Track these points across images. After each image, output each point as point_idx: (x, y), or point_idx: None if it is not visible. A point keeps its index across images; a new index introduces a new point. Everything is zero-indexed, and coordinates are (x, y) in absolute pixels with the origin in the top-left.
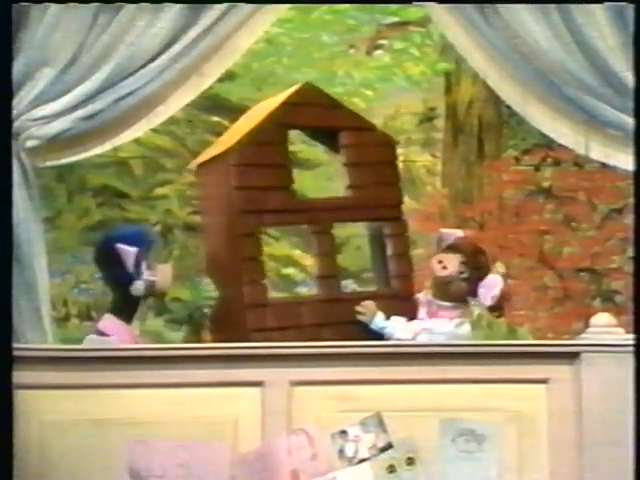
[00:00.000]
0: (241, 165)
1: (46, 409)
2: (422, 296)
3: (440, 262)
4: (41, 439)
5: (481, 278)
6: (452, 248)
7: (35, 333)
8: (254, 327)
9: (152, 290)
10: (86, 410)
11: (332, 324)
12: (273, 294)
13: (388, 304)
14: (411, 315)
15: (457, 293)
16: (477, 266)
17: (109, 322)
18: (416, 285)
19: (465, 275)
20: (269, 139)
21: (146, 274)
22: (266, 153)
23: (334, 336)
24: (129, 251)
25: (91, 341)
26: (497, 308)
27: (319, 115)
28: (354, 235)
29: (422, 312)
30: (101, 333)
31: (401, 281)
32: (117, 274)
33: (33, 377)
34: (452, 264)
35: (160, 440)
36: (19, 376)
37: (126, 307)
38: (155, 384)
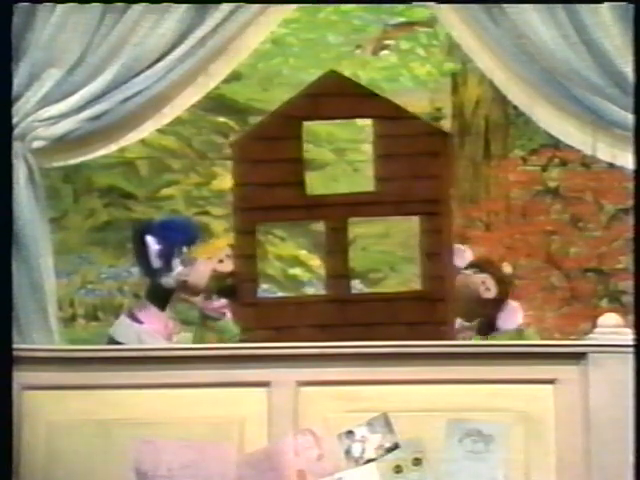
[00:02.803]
0: (242, 161)
1: (52, 409)
2: None
3: (484, 283)
4: (47, 439)
5: (502, 301)
6: (479, 267)
7: (41, 334)
8: (244, 326)
9: (184, 286)
10: (92, 410)
11: (339, 325)
12: (279, 294)
13: (414, 306)
14: (441, 320)
15: (482, 315)
16: (503, 290)
17: (144, 308)
18: None
19: (495, 297)
20: (280, 133)
21: (178, 270)
22: (276, 148)
23: (339, 338)
24: (152, 247)
25: (124, 324)
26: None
27: (344, 105)
28: (360, 236)
29: None
30: (135, 318)
31: (433, 282)
32: (146, 265)
33: (39, 378)
34: (492, 286)
35: (166, 440)
36: (25, 377)
37: (159, 295)
38: (161, 384)
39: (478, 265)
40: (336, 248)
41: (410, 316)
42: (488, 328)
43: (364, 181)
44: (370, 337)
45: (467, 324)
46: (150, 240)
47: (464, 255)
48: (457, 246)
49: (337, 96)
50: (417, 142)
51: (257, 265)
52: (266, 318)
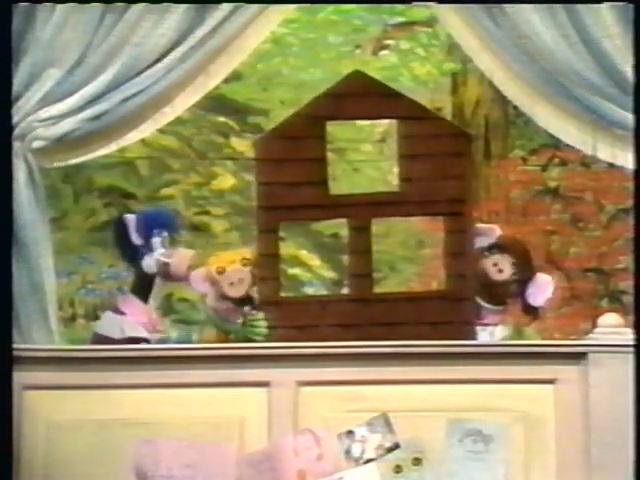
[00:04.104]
0: (265, 160)
1: (53, 409)
2: None
3: (495, 265)
4: (48, 439)
5: (529, 278)
6: (499, 248)
7: (42, 333)
8: (267, 325)
9: (165, 272)
10: (93, 410)
11: (362, 325)
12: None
13: (438, 306)
14: (465, 318)
15: (507, 296)
16: (526, 267)
17: (127, 300)
18: (424, 285)
19: (516, 277)
20: (303, 133)
21: (159, 252)
22: (299, 147)
23: (360, 337)
24: (130, 218)
25: (107, 317)
26: (538, 310)
27: (367, 105)
28: None
29: None
30: (118, 310)
31: (455, 281)
32: (126, 247)
33: (40, 377)
34: (507, 266)
35: (167, 440)
36: (26, 376)
37: (142, 285)
38: (161, 384)
39: (499, 245)
40: (359, 248)
41: (434, 316)
42: (527, 308)
43: (366, 182)
44: (393, 337)
45: (495, 308)
46: (129, 217)
47: (492, 234)
48: (487, 225)
49: (361, 96)
50: (441, 142)
51: (279, 264)
52: (289, 317)
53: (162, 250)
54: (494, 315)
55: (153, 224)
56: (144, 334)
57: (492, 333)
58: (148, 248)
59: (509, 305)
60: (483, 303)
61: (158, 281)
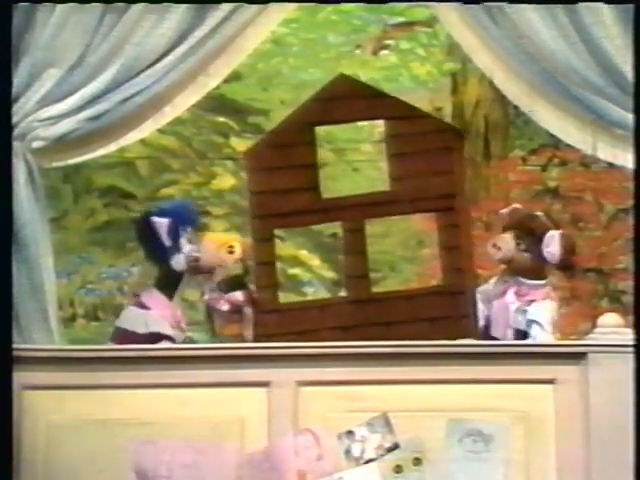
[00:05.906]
0: (257, 169)
1: (53, 409)
2: (507, 279)
3: (494, 245)
4: (48, 439)
5: (540, 241)
6: (503, 228)
7: (42, 334)
8: (264, 333)
9: (196, 265)
10: (93, 410)
11: (361, 326)
12: (280, 295)
13: (435, 300)
14: (462, 314)
15: (531, 268)
16: (531, 232)
17: (151, 295)
18: (424, 285)
19: (523, 247)
20: (292, 140)
21: (187, 248)
22: (289, 154)
23: (360, 338)
24: (162, 222)
25: (130, 312)
26: (568, 264)
27: (355, 107)
28: None
29: (510, 294)
30: (142, 305)
31: (452, 276)
32: (155, 248)
33: (39, 378)
34: (504, 242)
35: (167, 440)
36: (26, 377)
37: (168, 282)
38: (161, 384)
39: (504, 226)
40: (354, 249)
41: (431, 312)
42: (544, 262)
43: (366, 182)
44: (392, 336)
45: (538, 282)
46: (157, 220)
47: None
48: (504, 210)
49: (348, 99)
50: (430, 139)
51: (277, 271)
52: (288, 323)
53: (189, 246)
54: (541, 289)
55: (179, 221)
56: (168, 330)
57: (543, 307)
58: (176, 248)
59: (551, 278)
60: (525, 280)
61: (187, 275)
